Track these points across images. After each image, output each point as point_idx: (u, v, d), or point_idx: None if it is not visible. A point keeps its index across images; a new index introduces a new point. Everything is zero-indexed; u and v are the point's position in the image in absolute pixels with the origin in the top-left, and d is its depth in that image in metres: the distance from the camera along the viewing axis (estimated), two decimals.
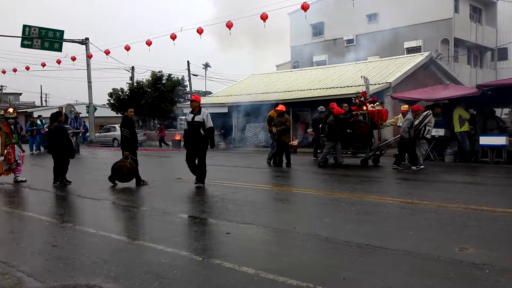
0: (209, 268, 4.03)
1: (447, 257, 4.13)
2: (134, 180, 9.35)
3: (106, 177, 9.51)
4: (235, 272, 3.89)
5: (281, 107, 12.96)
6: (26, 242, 5.15)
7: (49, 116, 10.65)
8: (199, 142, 8.52)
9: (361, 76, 13.55)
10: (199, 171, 8.74)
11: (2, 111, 10.66)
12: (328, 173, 11.28)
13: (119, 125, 10.31)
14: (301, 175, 11.33)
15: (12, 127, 10.17)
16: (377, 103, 13.23)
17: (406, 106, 13.16)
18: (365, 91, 13.84)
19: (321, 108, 15.43)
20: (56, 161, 9.74)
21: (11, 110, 10.45)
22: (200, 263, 4.17)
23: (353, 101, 13.12)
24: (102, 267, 4.09)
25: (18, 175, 10.31)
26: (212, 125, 8.68)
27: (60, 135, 9.80)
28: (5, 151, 9.96)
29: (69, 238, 5.25)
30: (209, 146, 8.77)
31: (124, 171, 9.34)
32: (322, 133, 14.97)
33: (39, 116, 21.42)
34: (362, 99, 12.99)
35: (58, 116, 9.99)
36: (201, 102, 9.41)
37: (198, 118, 8.47)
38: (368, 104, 12.89)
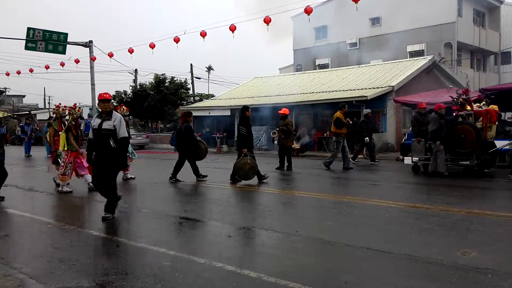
0: (210, 271, 4.02)
1: (450, 261, 4.11)
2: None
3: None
4: (237, 275, 3.89)
5: (284, 111, 12.89)
6: (29, 244, 5.17)
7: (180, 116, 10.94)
8: (109, 157, 6.11)
9: (462, 71, 12.42)
10: (107, 195, 6.34)
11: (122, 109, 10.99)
12: (335, 176, 11.25)
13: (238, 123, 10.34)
14: (304, 178, 11.31)
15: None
16: (483, 102, 11.44)
17: (496, 106, 11.24)
18: (467, 88, 12.02)
19: (367, 110, 14.94)
20: (182, 159, 10.25)
21: (124, 107, 10.96)
22: (202, 266, 4.16)
23: (454, 100, 11.44)
24: (104, 270, 4.10)
25: (127, 173, 10.72)
26: (126, 135, 6.35)
27: (190, 135, 10.22)
28: None
29: (71, 240, 5.26)
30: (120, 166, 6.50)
31: (246, 168, 9.65)
32: (358, 137, 14.17)
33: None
34: (465, 97, 11.12)
35: (187, 116, 10.37)
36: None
37: (107, 124, 6.14)
38: (473, 104, 11.10)
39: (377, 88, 18.66)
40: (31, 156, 19.78)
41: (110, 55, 22.24)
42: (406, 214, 6.35)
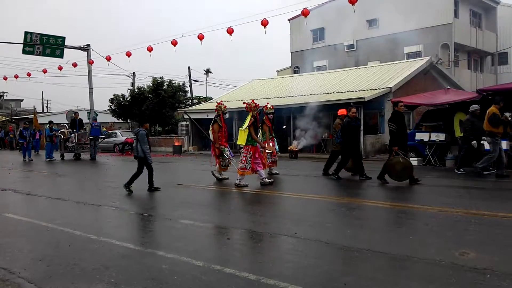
0: (210, 273, 4.02)
1: (448, 261, 4.12)
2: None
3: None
4: (236, 277, 3.89)
5: (341, 112, 11.52)
6: (27, 248, 5.15)
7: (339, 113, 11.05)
8: None
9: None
10: None
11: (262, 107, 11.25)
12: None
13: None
14: (300, 180, 11.29)
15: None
16: None
17: None
18: None
19: (474, 107, 10.91)
20: (346, 157, 10.33)
21: (270, 105, 11.34)
22: (201, 268, 4.16)
23: None
24: (103, 273, 4.09)
25: (272, 168, 11.23)
26: None
27: (353, 130, 10.17)
28: (270, 144, 10.83)
29: (70, 243, 5.25)
30: None
31: (398, 168, 9.13)
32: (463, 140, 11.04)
33: (50, 122, 21.19)
34: None
35: (348, 112, 10.44)
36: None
37: None
38: None
39: (375, 89, 18.71)
40: (32, 160, 19.64)
41: (108, 58, 22.25)
42: (404, 215, 6.35)
